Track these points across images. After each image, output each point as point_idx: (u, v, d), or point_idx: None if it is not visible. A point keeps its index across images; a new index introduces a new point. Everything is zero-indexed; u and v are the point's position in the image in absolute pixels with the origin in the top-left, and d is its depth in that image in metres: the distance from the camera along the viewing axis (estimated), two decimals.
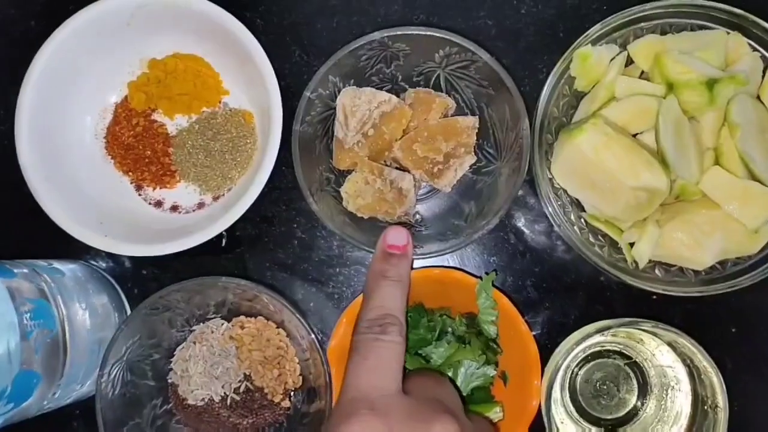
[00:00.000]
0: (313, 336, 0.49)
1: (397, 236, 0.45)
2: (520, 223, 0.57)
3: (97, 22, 0.53)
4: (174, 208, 0.58)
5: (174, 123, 0.59)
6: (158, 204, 0.59)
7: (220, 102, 0.59)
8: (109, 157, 0.58)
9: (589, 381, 0.54)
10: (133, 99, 0.58)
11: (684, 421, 0.50)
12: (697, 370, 0.49)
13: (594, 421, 0.53)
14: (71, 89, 0.56)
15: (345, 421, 0.36)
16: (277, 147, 0.51)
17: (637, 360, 0.53)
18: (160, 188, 0.58)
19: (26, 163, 0.52)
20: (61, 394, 0.48)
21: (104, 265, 0.58)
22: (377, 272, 0.44)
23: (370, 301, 0.43)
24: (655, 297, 0.55)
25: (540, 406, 0.48)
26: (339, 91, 0.51)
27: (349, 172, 0.53)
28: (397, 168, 0.52)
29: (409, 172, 0.52)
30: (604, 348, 0.54)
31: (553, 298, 0.56)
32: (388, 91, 0.52)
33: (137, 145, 0.58)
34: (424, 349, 0.50)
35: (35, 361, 0.44)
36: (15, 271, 0.46)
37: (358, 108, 0.51)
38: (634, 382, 0.53)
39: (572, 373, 0.54)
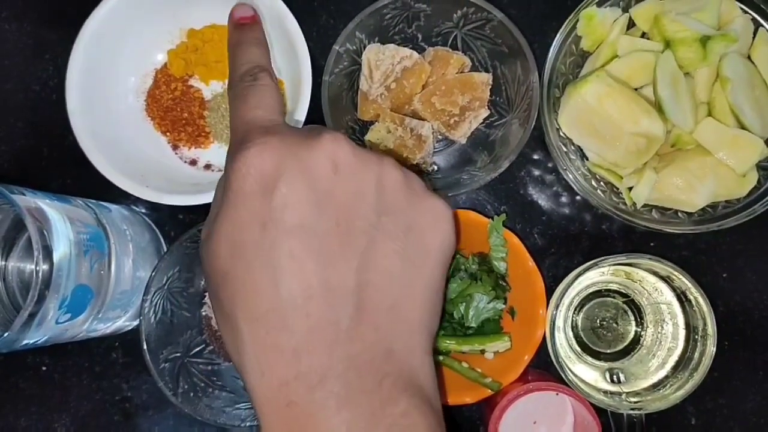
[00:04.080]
0: None
1: (243, 10, 0.47)
2: (529, 177, 0.61)
3: None
4: (207, 166, 0.62)
5: (209, 88, 0.63)
6: (193, 162, 0.62)
7: None
8: (149, 118, 0.62)
9: (590, 318, 0.58)
10: (172, 65, 0.62)
11: (677, 352, 0.54)
12: (689, 303, 0.53)
13: (594, 355, 0.57)
14: (117, 53, 0.59)
15: (241, 149, 0.34)
16: (305, 112, 0.54)
17: (634, 298, 0.57)
18: (195, 148, 0.62)
19: (75, 110, 0.55)
20: (105, 317, 0.53)
21: (143, 210, 0.62)
22: (235, 42, 0.45)
23: (235, 63, 0.43)
24: (652, 244, 0.60)
25: (545, 334, 0.53)
26: (364, 48, 0.56)
27: (372, 123, 0.58)
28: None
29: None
30: (605, 288, 0.58)
31: (558, 245, 0.60)
32: None
33: (175, 107, 0.62)
34: None
35: (89, 278, 0.48)
36: (72, 201, 0.51)
37: (382, 62, 0.55)
38: (632, 318, 0.58)
39: (574, 311, 0.58)
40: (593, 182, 0.55)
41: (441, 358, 0.55)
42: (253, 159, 0.33)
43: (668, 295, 0.55)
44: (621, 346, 0.58)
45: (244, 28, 0.46)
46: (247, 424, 0.53)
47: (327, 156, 0.34)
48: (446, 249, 0.37)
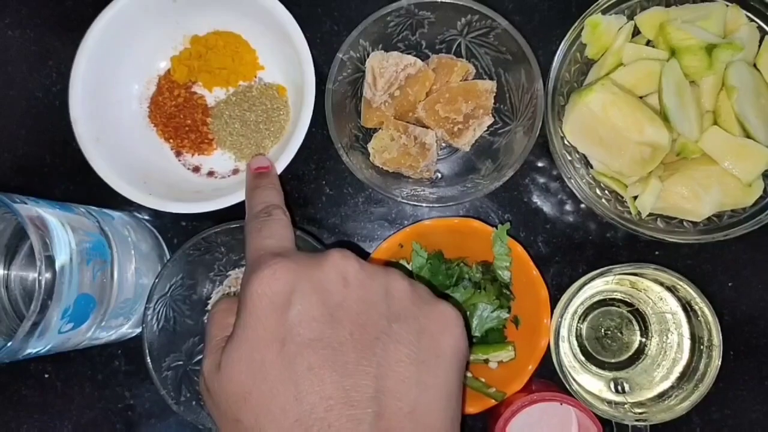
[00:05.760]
0: None
1: (260, 161, 0.53)
2: (533, 185, 0.61)
3: (145, 0, 0.57)
4: (210, 173, 0.62)
5: (213, 95, 0.63)
6: (196, 169, 0.62)
7: (255, 77, 0.62)
8: (152, 124, 0.62)
9: (595, 327, 0.58)
10: (175, 72, 0.61)
11: (682, 363, 0.54)
12: (695, 313, 0.53)
13: (599, 365, 0.57)
14: (120, 60, 0.59)
15: (254, 272, 0.36)
16: (309, 119, 0.54)
17: (639, 308, 0.57)
18: (198, 155, 0.62)
19: (78, 117, 0.55)
20: (107, 325, 0.52)
21: (146, 217, 0.62)
22: (253, 186, 0.49)
23: (252, 203, 0.47)
24: (657, 253, 0.60)
25: (549, 343, 0.53)
26: (368, 55, 0.56)
27: (375, 130, 0.58)
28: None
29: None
30: (609, 297, 0.58)
31: (562, 254, 0.60)
32: None
33: (178, 114, 0.61)
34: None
35: (92, 287, 0.48)
36: (74, 209, 0.51)
37: (386, 70, 0.55)
38: (636, 327, 0.58)
39: (579, 320, 0.58)
40: (598, 191, 0.54)
41: None
42: (267, 280, 0.35)
43: (673, 305, 0.55)
44: (626, 356, 0.57)
45: (261, 175, 0.51)
46: None
47: (337, 271, 0.36)
48: (459, 353, 0.37)
